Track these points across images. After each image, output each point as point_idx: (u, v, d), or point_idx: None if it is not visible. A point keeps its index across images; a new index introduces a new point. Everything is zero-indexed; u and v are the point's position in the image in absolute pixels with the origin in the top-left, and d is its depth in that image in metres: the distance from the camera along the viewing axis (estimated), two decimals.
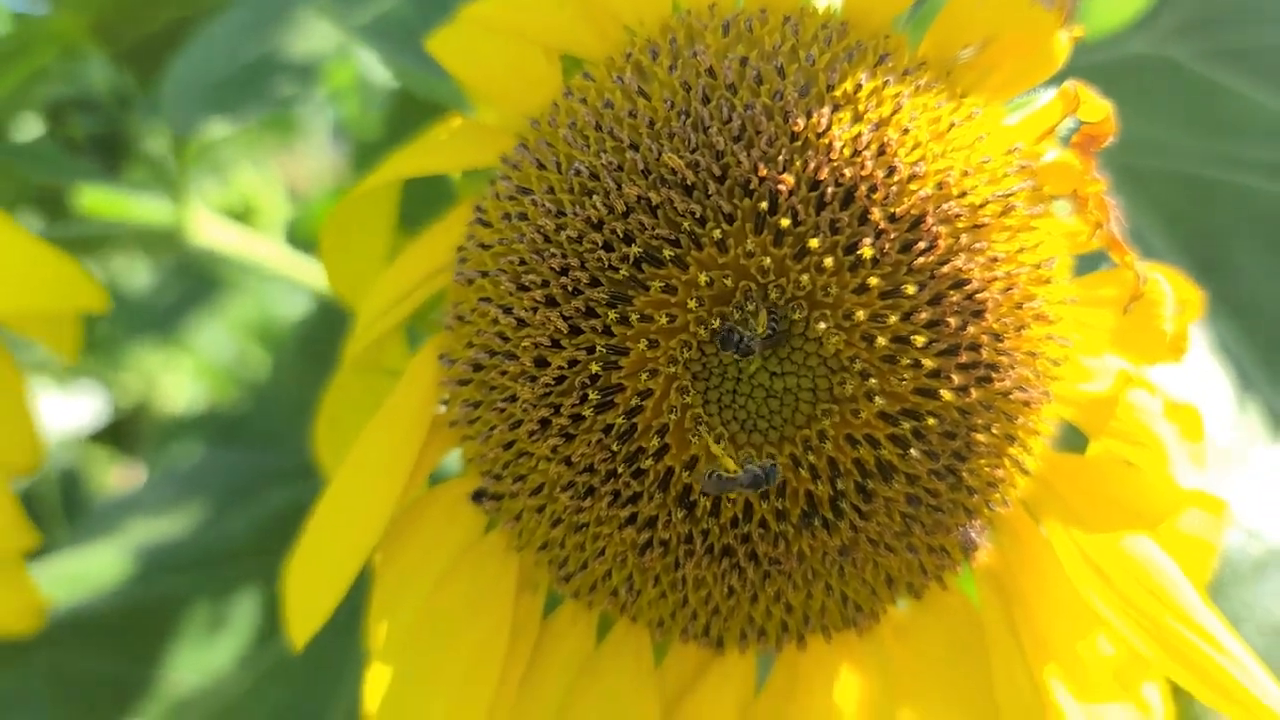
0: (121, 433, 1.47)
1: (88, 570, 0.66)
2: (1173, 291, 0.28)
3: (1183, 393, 0.35)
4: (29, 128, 0.49)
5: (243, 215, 0.64)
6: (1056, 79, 0.29)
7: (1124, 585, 0.28)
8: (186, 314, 1.32)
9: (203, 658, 0.64)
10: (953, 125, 0.24)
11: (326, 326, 0.78)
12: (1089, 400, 0.28)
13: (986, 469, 0.24)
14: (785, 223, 0.22)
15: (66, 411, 1.24)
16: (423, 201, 0.34)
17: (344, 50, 0.54)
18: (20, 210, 0.63)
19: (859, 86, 0.23)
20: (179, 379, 1.56)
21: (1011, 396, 0.24)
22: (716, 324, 0.22)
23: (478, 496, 0.28)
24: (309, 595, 0.29)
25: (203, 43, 0.57)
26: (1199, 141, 0.54)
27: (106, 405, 1.33)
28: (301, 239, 0.81)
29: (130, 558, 0.68)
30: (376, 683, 0.31)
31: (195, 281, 1.31)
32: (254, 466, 0.79)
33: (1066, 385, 0.28)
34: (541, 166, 0.25)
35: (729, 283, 0.23)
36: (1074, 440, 0.31)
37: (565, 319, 0.23)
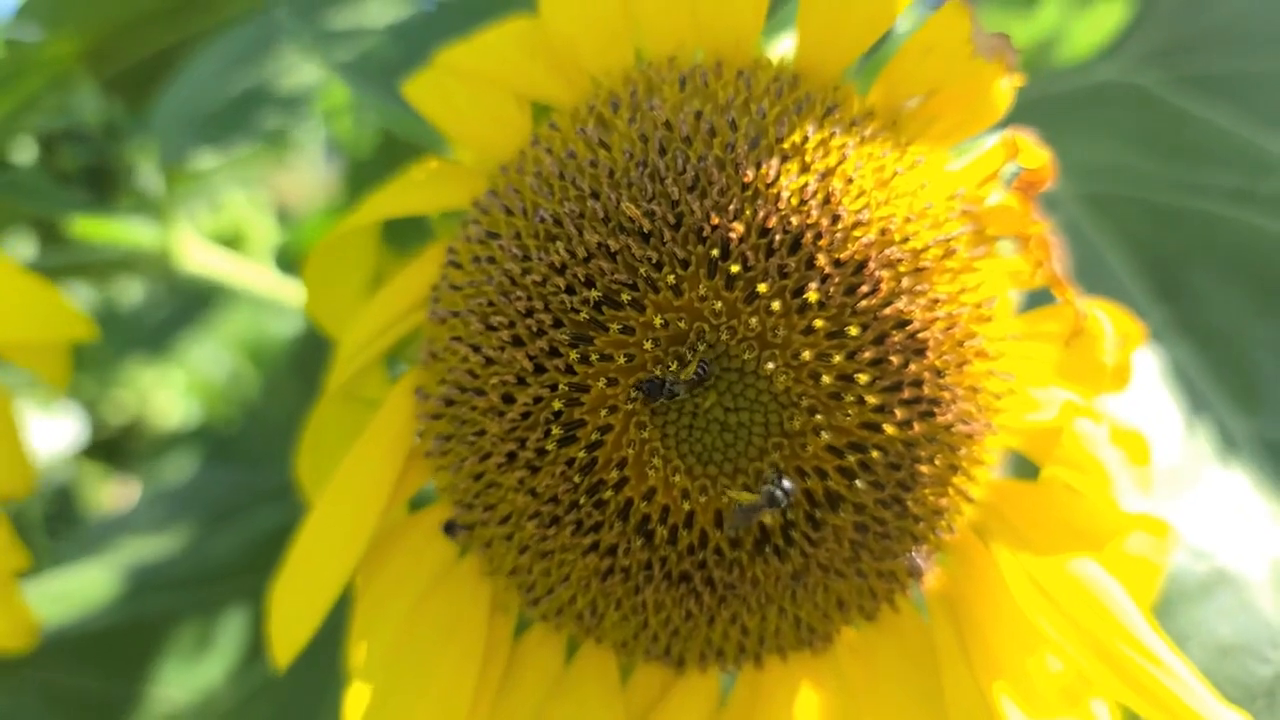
0: (115, 449, 1.47)
1: (78, 589, 0.66)
2: (1113, 325, 0.30)
3: (1132, 418, 0.37)
4: (22, 155, 0.50)
5: (232, 240, 0.65)
6: (1005, 122, 0.30)
7: (1070, 607, 0.29)
8: (179, 331, 1.33)
9: (191, 675, 0.64)
10: (896, 173, 0.25)
11: (317, 347, 0.79)
12: (1035, 430, 0.30)
13: (931, 498, 0.26)
14: (736, 268, 0.23)
15: (55, 431, 1.25)
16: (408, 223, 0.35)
17: (329, 82, 0.55)
18: (12, 234, 0.64)
19: (806, 138, 0.24)
20: (171, 395, 1.57)
21: (954, 429, 0.25)
22: (666, 364, 0.24)
23: (449, 528, 0.29)
24: (292, 618, 0.31)
25: (192, 75, 0.58)
26: (1164, 168, 0.55)
27: (93, 424, 1.34)
28: (293, 260, 0.82)
29: (120, 576, 0.69)
30: (356, 701, 0.32)
31: (187, 298, 1.32)
32: (244, 485, 0.79)
33: (1013, 416, 0.29)
34: (509, 212, 0.26)
35: (683, 324, 0.24)
36: (1025, 469, 0.32)
37: (530, 358, 0.25)
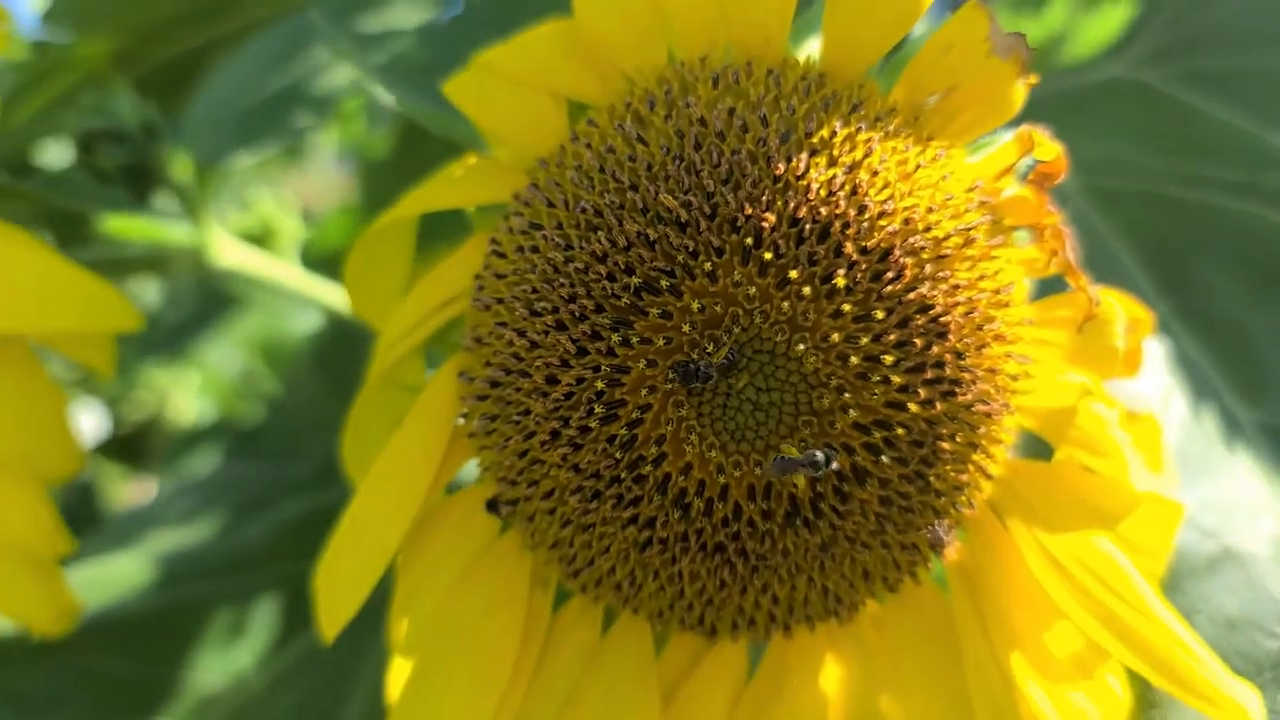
0: (133, 448, 1.50)
1: (112, 576, 0.68)
2: (1124, 312, 0.31)
3: (1142, 403, 0.38)
4: (62, 155, 0.51)
5: (261, 238, 0.67)
6: (1019, 118, 0.32)
7: (1083, 580, 0.31)
8: (196, 332, 1.35)
9: (224, 659, 0.66)
10: (919, 166, 0.26)
11: (339, 342, 0.81)
12: (1050, 411, 0.31)
13: (952, 474, 0.27)
14: (768, 256, 0.25)
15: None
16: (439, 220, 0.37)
17: (358, 84, 0.57)
18: (40, 233, 0.66)
19: (834, 133, 0.26)
20: (188, 394, 1.59)
21: (974, 408, 0.27)
22: (702, 347, 0.25)
23: (492, 505, 0.30)
24: (338, 592, 0.32)
25: (224, 77, 0.60)
26: (1169, 162, 0.56)
27: (112, 421, 1.36)
28: (314, 257, 0.84)
29: (152, 564, 0.70)
30: (398, 674, 0.34)
31: (204, 301, 1.34)
32: (269, 478, 0.81)
33: (1029, 398, 0.31)
34: (551, 205, 0.27)
35: (718, 309, 0.25)
36: (1041, 452, 0.34)
37: (573, 341, 0.26)
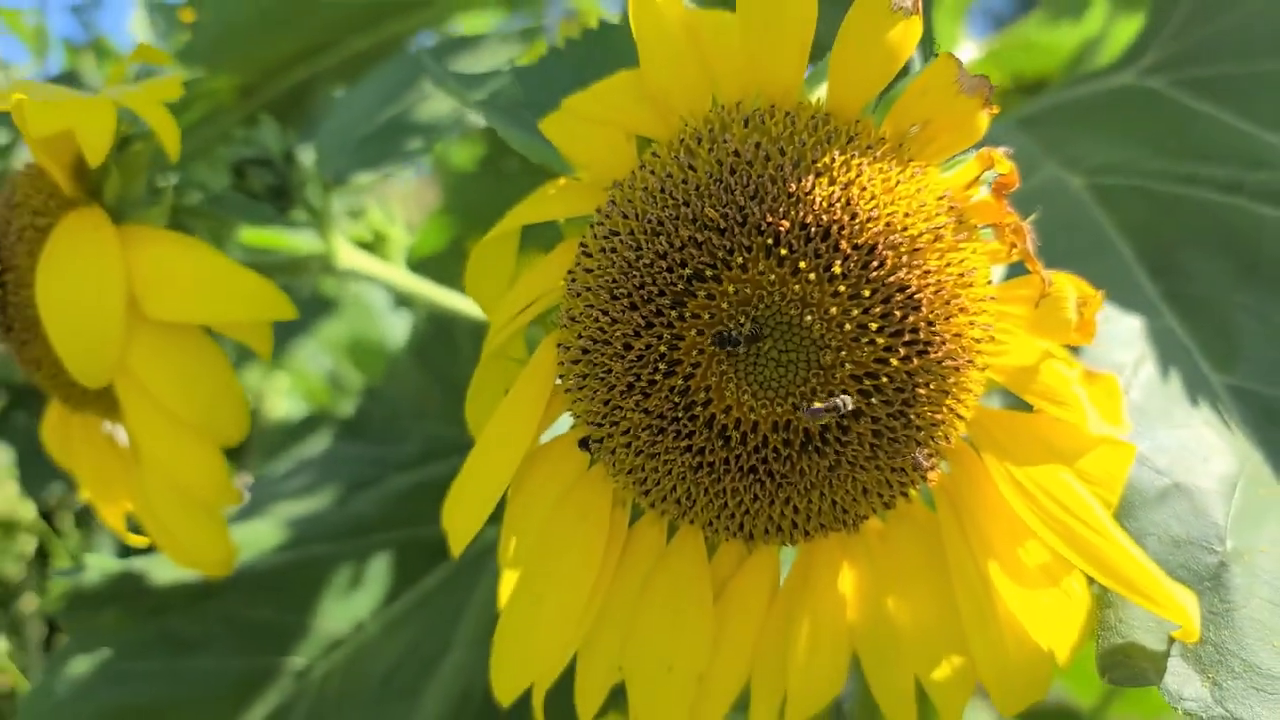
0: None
1: (249, 537, 0.77)
2: (1075, 290, 0.39)
3: (1111, 367, 0.46)
4: (219, 179, 0.62)
5: (373, 245, 0.77)
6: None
7: (1047, 505, 0.36)
8: (286, 335, 1.45)
9: (346, 609, 0.75)
10: (899, 182, 0.35)
11: (436, 338, 0.91)
12: (1016, 369, 0.39)
13: (929, 413, 0.36)
14: (784, 252, 0.34)
15: None
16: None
17: (458, 113, 0.66)
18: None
19: (834, 159, 0.35)
20: (279, 395, 1.71)
21: (944, 364, 0.35)
22: (727, 327, 0.34)
23: (584, 442, 0.40)
24: (464, 516, 0.41)
25: (345, 108, 0.70)
26: (1168, 162, 0.62)
27: None
28: (412, 260, 0.94)
29: (281, 528, 0.79)
30: (508, 583, 0.43)
31: (299, 306, 1.44)
32: (376, 457, 0.90)
33: (1000, 359, 0.39)
34: (625, 216, 0.37)
35: (748, 291, 0.35)
36: (1021, 408, 0.41)
37: (643, 317, 0.35)
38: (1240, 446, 0.45)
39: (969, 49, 1.37)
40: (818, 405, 0.35)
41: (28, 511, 1.63)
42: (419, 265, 0.99)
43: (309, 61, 0.91)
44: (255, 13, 0.81)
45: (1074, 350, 0.41)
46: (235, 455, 1.73)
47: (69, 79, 1.38)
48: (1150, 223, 0.60)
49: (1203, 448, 0.45)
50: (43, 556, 1.72)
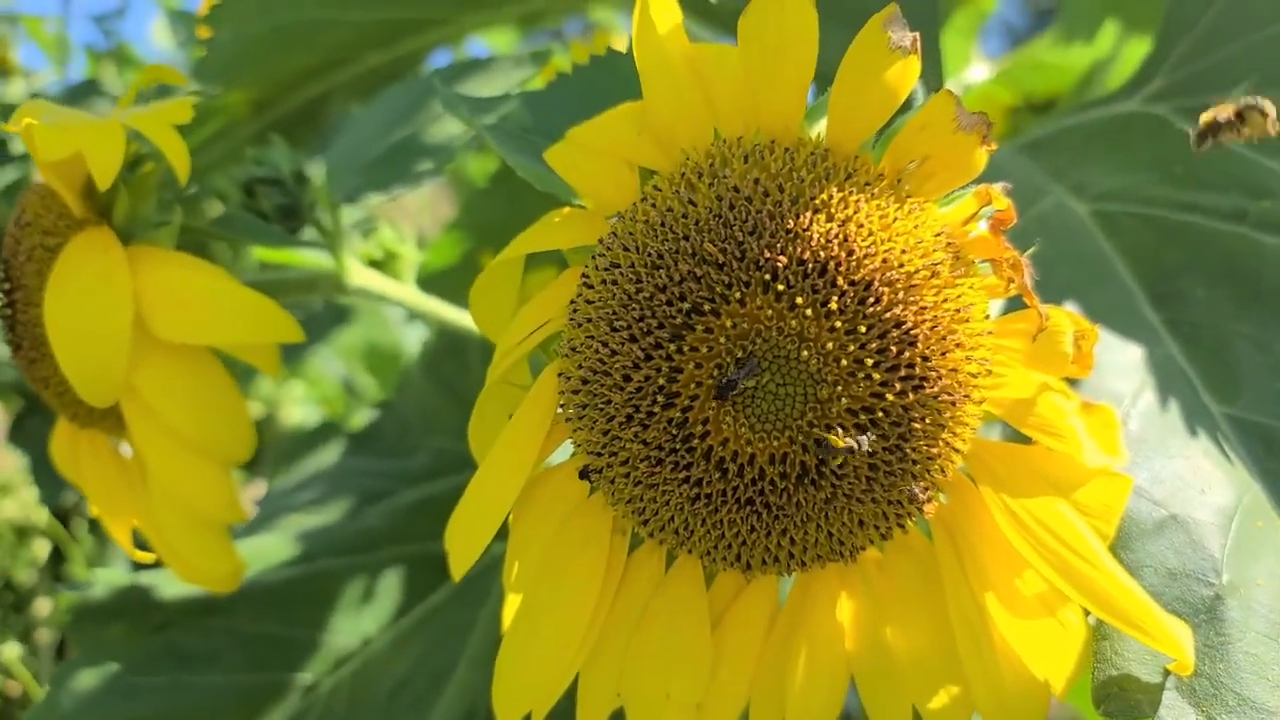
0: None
1: (257, 551, 0.77)
2: (1072, 325, 0.39)
3: (1110, 396, 0.46)
4: (229, 199, 0.63)
5: (382, 262, 0.77)
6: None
7: (1043, 537, 0.36)
8: (302, 345, 1.46)
9: (354, 623, 0.75)
10: (896, 219, 0.36)
11: (447, 353, 0.91)
12: (1014, 402, 0.39)
13: (925, 447, 0.36)
14: (781, 287, 0.34)
15: None
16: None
17: (471, 134, 0.67)
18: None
19: (831, 196, 0.35)
20: (294, 403, 1.72)
21: (939, 398, 0.36)
22: (722, 371, 0.35)
23: (584, 473, 0.40)
24: (465, 541, 0.42)
25: (356, 127, 0.71)
26: (1172, 190, 0.63)
27: None
28: (424, 276, 0.95)
29: (290, 542, 0.80)
30: (511, 606, 0.43)
31: (310, 315, 1.46)
32: (387, 470, 0.90)
33: (998, 392, 0.39)
34: (626, 249, 0.37)
35: (746, 326, 0.35)
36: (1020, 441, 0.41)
37: (642, 350, 0.36)
38: (1239, 478, 0.45)
39: (980, 69, 1.37)
40: (835, 443, 0.35)
41: (42, 517, 1.64)
42: (433, 279, 1.00)
43: (324, 77, 0.92)
44: (269, 29, 0.82)
45: (1074, 378, 0.42)
46: (250, 463, 1.74)
47: (90, 88, 1.40)
48: (1154, 250, 0.60)
49: (1200, 479, 0.45)
50: (56, 562, 1.73)
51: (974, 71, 1.36)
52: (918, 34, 0.36)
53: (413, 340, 1.49)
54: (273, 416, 1.77)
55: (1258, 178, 0.61)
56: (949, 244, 0.36)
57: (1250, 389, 0.52)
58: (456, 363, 0.89)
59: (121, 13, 2.02)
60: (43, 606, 1.71)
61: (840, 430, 0.35)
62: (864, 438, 0.35)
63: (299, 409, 1.80)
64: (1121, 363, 0.50)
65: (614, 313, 0.36)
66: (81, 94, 1.32)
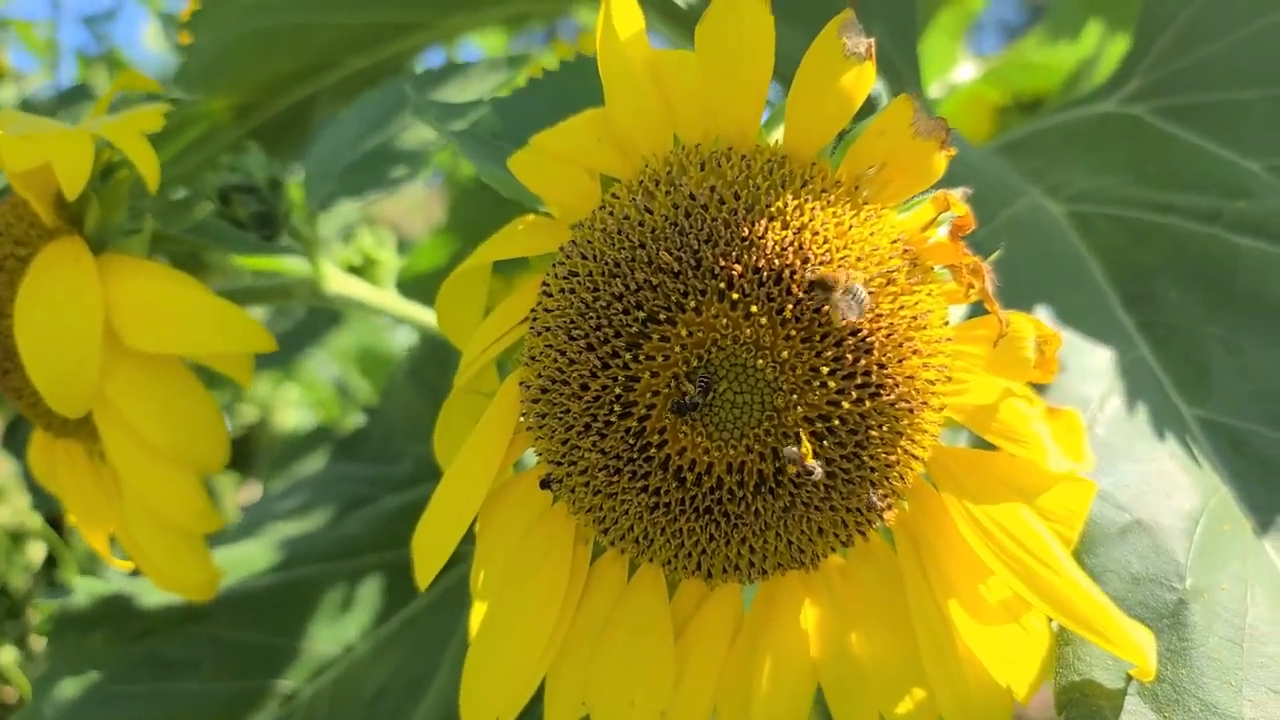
0: (240, 455, 1.63)
1: (238, 559, 0.78)
2: (1034, 330, 0.39)
3: (1075, 403, 0.46)
4: (204, 207, 0.63)
5: (362, 268, 0.77)
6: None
7: (1005, 543, 0.37)
8: (296, 347, 1.46)
9: (335, 631, 0.75)
10: (852, 226, 0.36)
11: (431, 358, 0.91)
12: (976, 408, 0.39)
13: (882, 455, 0.36)
14: (736, 295, 0.34)
15: None
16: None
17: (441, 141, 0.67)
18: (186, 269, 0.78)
19: (786, 204, 0.35)
20: (288, 406, 1.72)
21: (896, 406, 0.36)
22: (684, 387, 0.35)
23: (545, 482, 0.40)
24: (431, 547, 0.42)
25: (332, 134, 0.71)
26: (1147, 190, 0.62)
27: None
28: (409, 279, 0.95)
29: (272, 550, 0.80)
30: (478, 613, 0.43)
31: (303, 320, 1.46)
32: (370, 477, 0.90)
33: (960, 398, 0.39)
34: (584, 257, 0.37)
35: (701, 334, 0.35)
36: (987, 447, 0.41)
37: (599, 358, 0.36)
38: (1207, 481, 0.45)
39: (969, 68, 1.37)
40: (788, 469, 0.35)
41: (36, 522, 1.64)
42: (421, 280, 1.00)
43: (307, 81, 0.92)
44: (249, 34, 0.81)
45: (1039, 383, 0.41)
46: (245, 466, 1.74)
47: (81, 92, 1.40)
48: (1128, 252, 0.60)
49: (1166, 483, 0.45)
50: (51, 567, 1.73)
51: (962, 71, 1.36)
52: (873, 40, 0.36)
53: (402, 344, 1.49)
54: (267, 420, 1.77)
55: (1234, 178, 0.61)
56: (905, 250, 0.36)
57: (1221, 391, 0.52)
58: (440, 368, 0.88)
59: (112, 15, 2.02)
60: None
61: (797, 437, 0.35)
62: (816, 464, 0.35)
63: (294, 412, 1.80)
64: (1091, 366, 0.50)
65: (572, 321, 0.36)
66: (72, 99, 1.32)
